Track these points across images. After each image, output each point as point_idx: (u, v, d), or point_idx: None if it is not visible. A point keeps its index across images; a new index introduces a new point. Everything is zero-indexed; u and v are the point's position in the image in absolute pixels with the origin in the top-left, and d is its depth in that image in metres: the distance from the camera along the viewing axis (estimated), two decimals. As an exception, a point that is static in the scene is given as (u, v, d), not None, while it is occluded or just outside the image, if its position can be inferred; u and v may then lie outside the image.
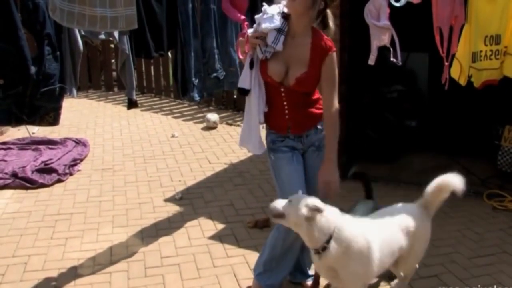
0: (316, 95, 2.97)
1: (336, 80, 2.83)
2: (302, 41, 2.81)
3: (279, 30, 2.75)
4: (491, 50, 3.56)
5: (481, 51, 3.55)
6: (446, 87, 3.57)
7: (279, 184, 2.97)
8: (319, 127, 2.95)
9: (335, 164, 2.81)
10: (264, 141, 3.02)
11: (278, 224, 3.02)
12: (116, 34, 4.01)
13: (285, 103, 2.88)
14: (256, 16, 2.79)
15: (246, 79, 2.84)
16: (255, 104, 2.87)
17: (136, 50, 4.10)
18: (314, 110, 2.95)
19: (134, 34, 3.92)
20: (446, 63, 3.53)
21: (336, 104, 2.83)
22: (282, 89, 2.85)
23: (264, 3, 2.82)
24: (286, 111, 2.89)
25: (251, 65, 2.80)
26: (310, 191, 2.99)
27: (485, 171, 5.05)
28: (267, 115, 2.95)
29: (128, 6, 3.28)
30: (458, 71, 3.51)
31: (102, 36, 4.30)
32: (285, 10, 2.78)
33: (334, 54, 2.83)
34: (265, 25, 2.72)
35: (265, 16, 2.74)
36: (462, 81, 3.54)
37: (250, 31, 2.83)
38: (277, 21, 2.73)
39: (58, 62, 3.52)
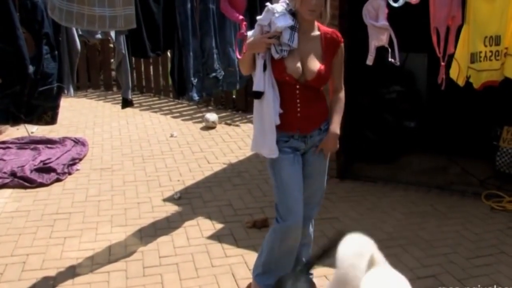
0: (321, 90, 3.01)
1: (343, 68, 3.01)
2: (312, 35, 2.86)
3: (292, 27, 2.76)
4: (491, 51, 3.56)
5: (480, 52, 3.54)
6: (442, 87, 3.57)
7: (278, 184, 2.97)
8: (321, 127, 2.98)
9: (337, 136, 3.01)
10: None
11: (274, 226, 3.03)
12: (112, 33, 4.01)
13: (298, 100, 2.88)
14: (259, 17, 2.78)
15: (261, 81, 2.81)
16: (270, 106, 2.83)
17: (133, 50, 4.10)
18: (321, 105, 2.99)
19: (130, 34, 3.92)
20: (443, 63, 3.53)
21: (343, 87, 3.04)
22: (297, 86, 2.86)
23: (267, 3, 2.83)
24: (299, 109, 2.88)
25: (265, 67, 2.78)
26: (307, 188, 3.04)
27: (484, 172, 5.05)
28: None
29: (127, 5, 3.27)
30: (456, 71, 3.51)
31: (99, 36, 4.30)
32: (292, 7, 2.79)
33: (343, 46, 2.96)
34: (281, 24, 2.72)
35: (276, 15, 2.74)
36: (461, 82, 3.54)
37: (250, 33, 2.83)
38: (290, 19, 2.75)
39: (56, 61, 3.52)
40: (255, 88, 2.82)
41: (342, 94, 3.06)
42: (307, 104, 2.89)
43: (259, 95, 2.82)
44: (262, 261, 3.11)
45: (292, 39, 2.76)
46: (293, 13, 2.80)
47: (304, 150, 3.00)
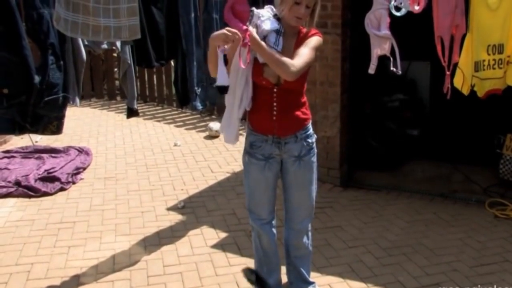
0: (304, 99, 3.00)
1: (308, 52, 2.75)
2: (291, 38, 2.86)
3: (277, 31, 2.78)
4: (494, 59, 3.57)
5: (484, 60, 3.56)
6: (448, 97, 3.58)
7: (246, 186, 3.13)
8: (297, 135, 2.95)
9: (253, 38, 2.64)
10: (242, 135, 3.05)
11: (253, 227, 3.17)
12: (118, 43, 4.04)
13: (275, 104, 2.88)
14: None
15: (223, 75, 2.75)
16: (238, 99, 2.87)
17: (137, 59, 4.13)
18: (300, 114, 2.95)
19: (135, 44, 3.95)
20: (448, 73, 3.55)
21: (297, 64, 2.68)
22: (275, 90, 2.86)
23: (252, 8, 2.85)
24: (275, 113, 2.88)
25: (226, 61, 2.74)
26: (292, 199, 3.10)
27: (487, 180, 5.05)
28: (253, 116, 2.95)
29: (131, 16, 3.31)
30: (460, 80, 3.52)
31: (105, 46, 4.33)
32: (277, 12, 2.82)
33: (316, 37, 2.85)
34: (267, 27, 2.75)
35: (262, 18, 2.76)
36: (465, 91, 3.55)
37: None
38: (276, 23, 2.78)
39: (62, 71, 3.53)
40: (219, 82, 2.75)
41: (290, 60, 2.68)
42: (284, 109, 2.89)
43: (222, 89, 2.78)
44: (256, 268, 3.25)
45: (278, 42, 2.77)
46: (278, 18, 2.82)
47: (280, 157, 3.00)
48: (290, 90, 2.85)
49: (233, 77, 2.85)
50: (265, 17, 2.78)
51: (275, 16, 2.82)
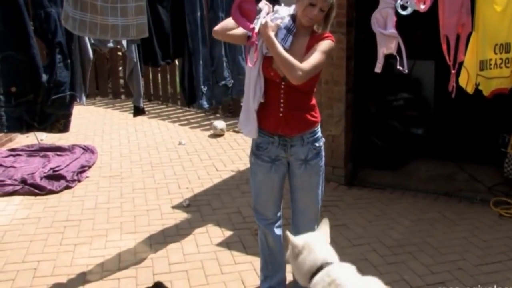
0: (313, 101, 3.00)
1: (317, 56, 2.76)
2: (304, 39, 2.87)
3: (288, 29, 2.81)
4: (501, 59, 3.57)
5: (490, 60, 3.56)
6: (453, 95, 3.58)
7: (252, 186, 3.16)
8: (304, 138, 2.95)
9: (265, 34, 2.73)
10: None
11: (260, 226, 3.19)
12: (124, 42, 4.05)
13: (282, 100, 2.88)
14: (261, 11, 2.83)
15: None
16: (252, 90, 2.89)
17: (144, 58, 4.13)
18: (308, 115, 2.95)
19: (142, 43, 3.96)
20: (453, 71, 3.55)
21: (305, 69, 2.70)
22: (282, 85, 2.86)
23: (277, 5, 2.90)
24: (281, 109, 2.89)
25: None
26: (299, 201, 3.11)
27: (492, 179, 5.06)
28: (261, 112, 2.94)
29: (139, 15, 3.31)
30: (465, 79, 3.53)
31: (111, 45, 4.33)
32: (294, 12, 2.85)
33: (328, 41, 2.85)
34: (277, 21, 2.79)
35: (277, 15, 2.81)
36: (470, 89, 3.55)
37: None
38: (288, 21, 2.82)
39: (69, 69, 3.54)
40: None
41: (298, 63, 2.70)
42: (291, 106, 2.89)
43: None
44: (261, 266, 3.29)
45: (286, 39, 2.80)
46: (293, 17, 2.85)
47: (286, 159, 3.00)
48: (297, 88, 2.84)
49: (247, 70, 2.89)
50: (281, 15, 2.82)
51: (292, 15, 2.85)
